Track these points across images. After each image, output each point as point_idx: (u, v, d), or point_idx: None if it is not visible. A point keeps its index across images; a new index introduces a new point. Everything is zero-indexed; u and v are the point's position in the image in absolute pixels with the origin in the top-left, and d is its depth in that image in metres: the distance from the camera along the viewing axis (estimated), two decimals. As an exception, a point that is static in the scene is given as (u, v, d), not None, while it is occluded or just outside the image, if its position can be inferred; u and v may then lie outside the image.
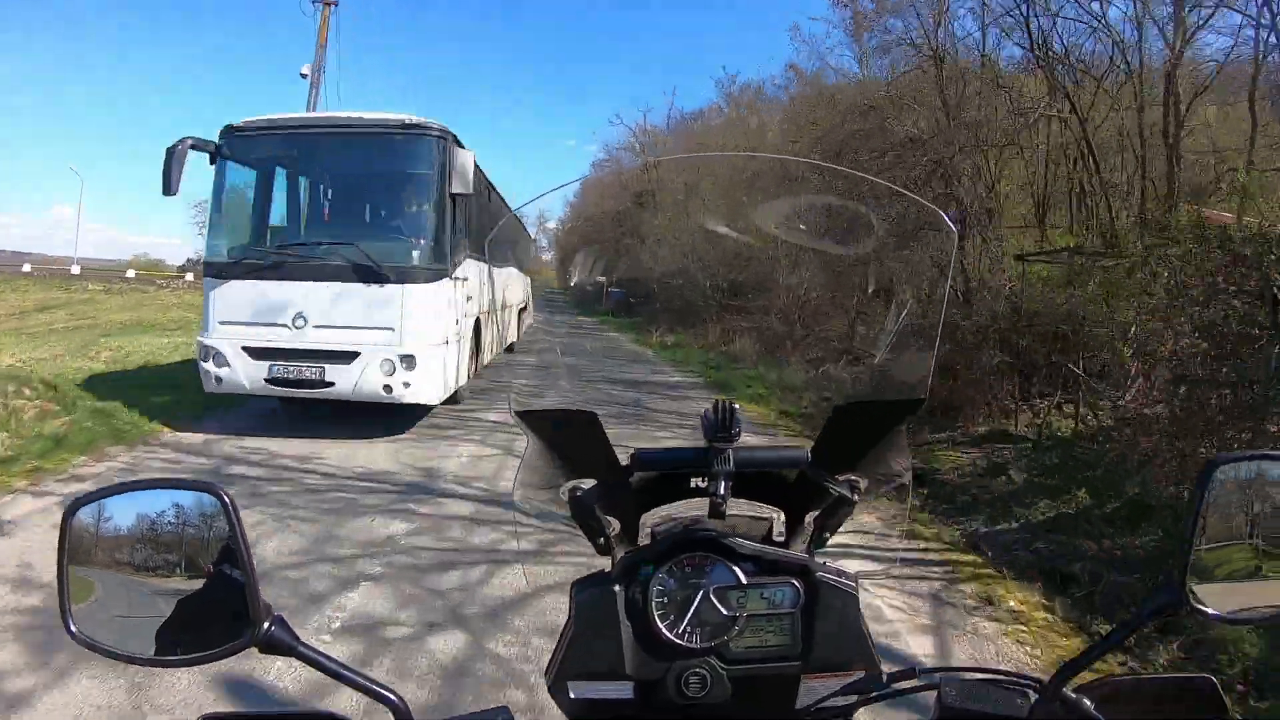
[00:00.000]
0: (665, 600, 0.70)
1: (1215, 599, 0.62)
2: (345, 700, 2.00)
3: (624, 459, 0.73)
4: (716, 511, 0.71)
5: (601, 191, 42.02)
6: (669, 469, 0.73)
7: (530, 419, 0.71)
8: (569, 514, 0.73)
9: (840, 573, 0.72)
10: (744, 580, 0.70)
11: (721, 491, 0.69)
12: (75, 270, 34.55)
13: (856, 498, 0.73)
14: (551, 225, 62.78)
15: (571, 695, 0.69)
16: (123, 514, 0.62)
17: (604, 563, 0.74)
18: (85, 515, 0.61)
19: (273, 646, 0.60)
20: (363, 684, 0.61)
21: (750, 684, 0.69)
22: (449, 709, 2.03)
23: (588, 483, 0.73)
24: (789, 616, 0.70)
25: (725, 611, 0.69)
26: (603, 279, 37.71)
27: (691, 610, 0.69)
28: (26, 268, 34.18)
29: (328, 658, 0.62)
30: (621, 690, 0.69)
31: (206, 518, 0.61)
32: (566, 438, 0.72)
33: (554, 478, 0.73)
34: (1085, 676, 0.64)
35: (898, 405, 0.77)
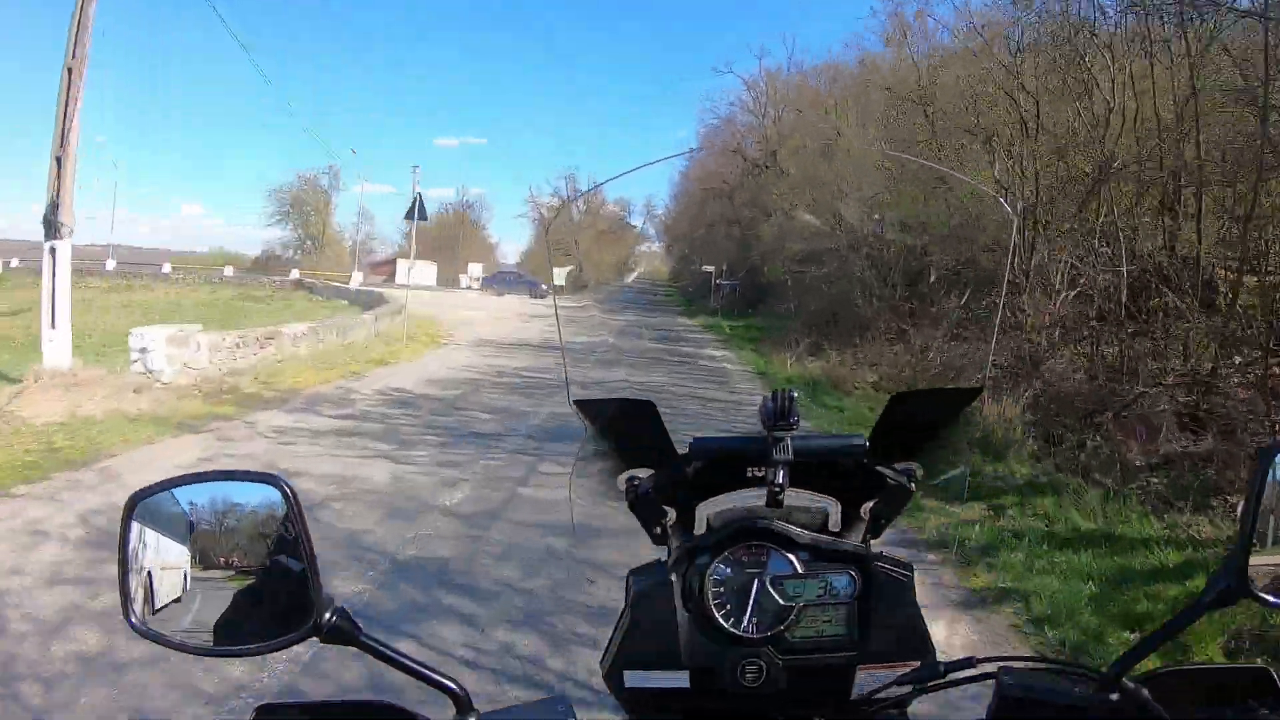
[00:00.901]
0: (722, 589, 0.70)
1: (1275, 586, 0.61)
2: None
3: (681, 449, 0.73)
4: (774, 500, 0.70)
5: (709, 166, 34.28)
6: (727, 458, 0.73)
7: (588, 408, 0.72)
8: (625, 503, 0.73)
9: (896, 562, 0.72)
10: (801, 570, 0.70)
11: (780, 480, 0.69)
12: (110, 265, 33.22)
13: (914, 486, 0.73)
14: (660, 213, 56.81)
15: (627, 684, 0.70)
16: (184, 505, 0.63)
17: (659, 552, 0.75)
18: (147, 507, 0.62)
19: (335, 636, 0.61)
20: (424, 673, 0.62)
21: (806, 674, 0.70)
22: None
23: (644, 472, 0.73)
24: (845, 606, 0.70)
25: (782, 601, 0.69)
26: (709, 269, 31.09)
27: (749, 599, 0.70)
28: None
29: (389, 647, 0.62)
30: (677, 679, 0.70)
31: (268, 509, 0.63)
32: (624, 427, 0.73)
33: (612, 467, 0.74)
34: (1145, 665, 0.63)
35: (956, 394, 0.76)
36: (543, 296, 33.81)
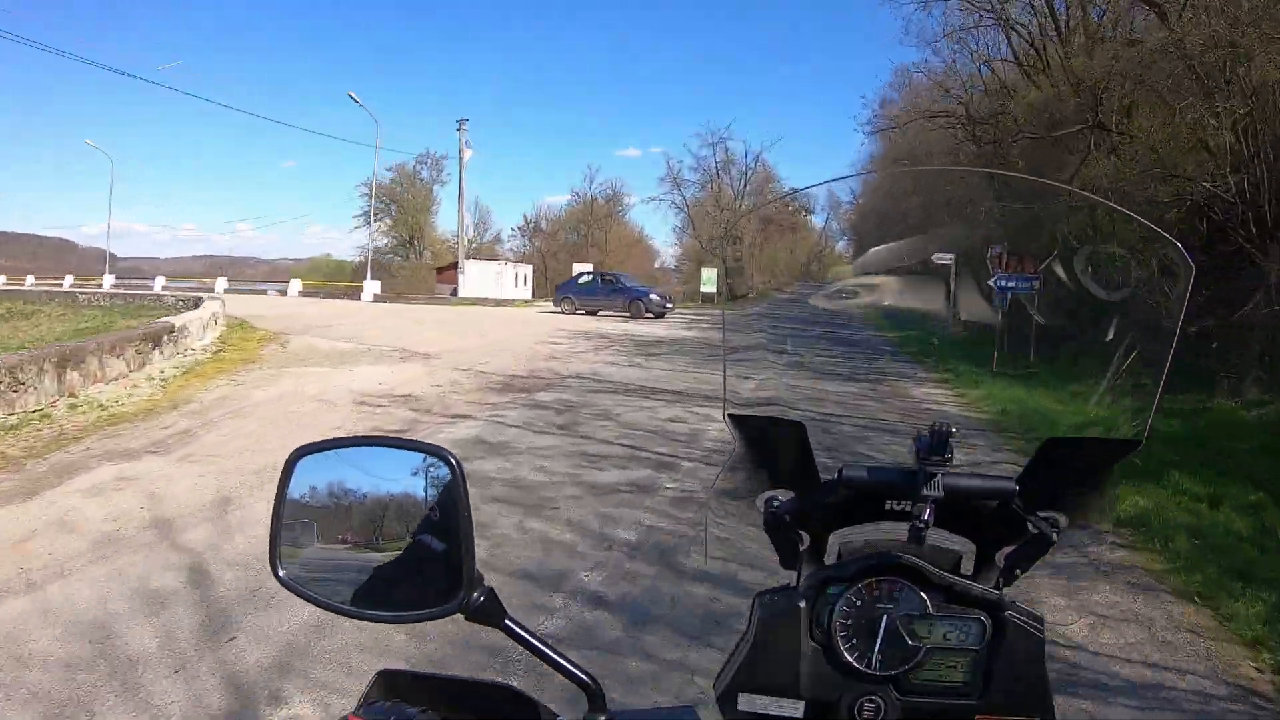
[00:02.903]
0: (849, 622, 0.69)
1: None
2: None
3: (824, 475, 0.72)
4: (916, 536, 0.68)
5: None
6: (874, 490, 0.71)
7: (740, 423, 0.72)
8: (761, 523, 0.72)
9: (1030, 614, 0.69)
10: (932, 610, 0.68)
11: (926, 517, 0.67)
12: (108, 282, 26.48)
13: (1056, 537, 0.70)
14: (846, 207, 42.85)
15: (740, 708, 0.68)
16: (347, 466, 0.63)
17: (782, 577, 0.73)
18: (310, 462, 0.63)
19: (480, 616, 0.62)
20: (564, 665, 0.63)
21: (922, 718, 0.68)
22: None
23: (784, 494, 0.72)
24: (972, 653, 0.68)
25: (909, 641, 0.67)
26: (948, 258, 16.46)
27: (877, 635, 0.68)
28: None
29: (533, 634, 0.63)
30: (792, 709, 0.68)
31: (430, 480, 0.63)
32: (772, 446, 0.72)
33: (753, 485, 0.73)
34: None
35: (1113, 445, 0.72)
36: (660, 313, 21.32)
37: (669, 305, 23.85)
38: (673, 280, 41.40)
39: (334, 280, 42.35)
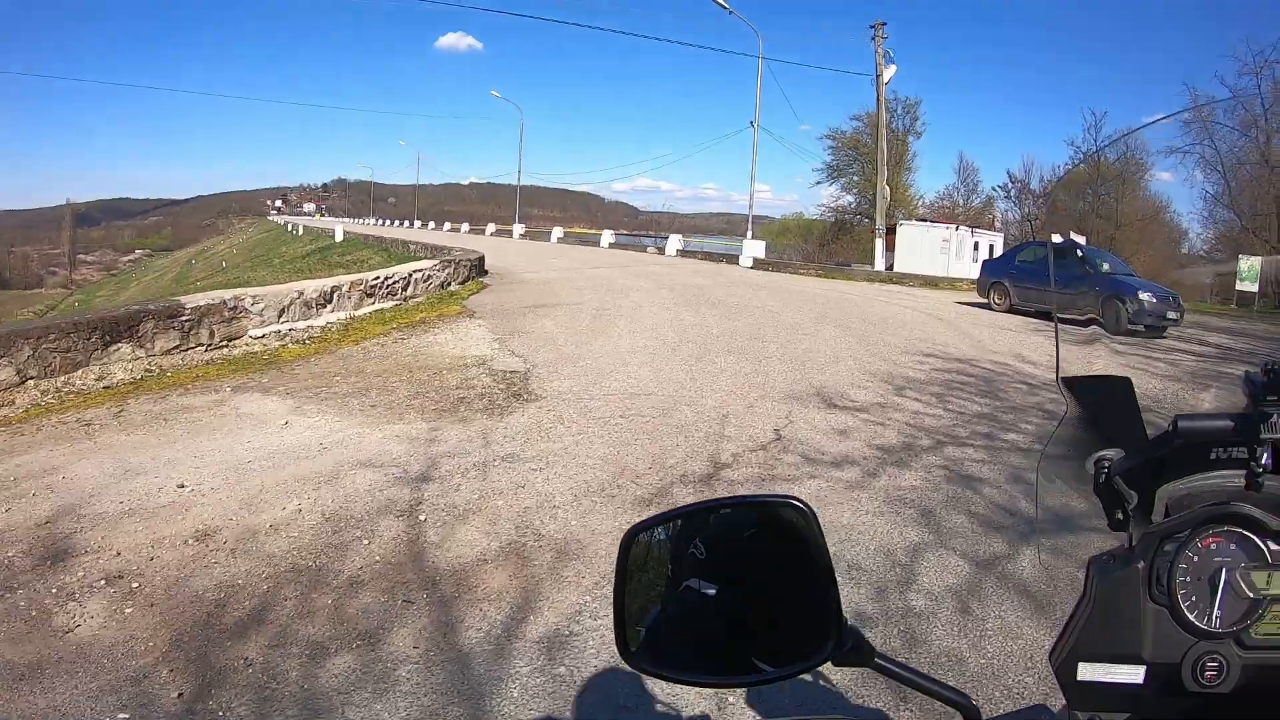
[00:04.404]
0: (1187, 579, 0.66)
1: None
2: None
3: (1151, 430, 0.69)
4: (1255, 484, 0.65)
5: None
6: (1213, 438, 0.66)
7: (1072, 385, 0.71)
8: (1091, 485, 0.71)
9: None
10: (1271, 560, 0.64)
11: (1265, 461, 0.64)
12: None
13: None
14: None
15: (1080, 676, 0.66)
16: (684, 534, 0.62)
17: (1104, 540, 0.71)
18: (646, 538, 0.63)
19: (851, 659, 0.61)
20: (937, 690, 0.64)
21: (1265, 673, 0.65)
22: None
23: (1113, 452, 0.70)
24: None
25: (1250, 594, 0.64)
26: None
27: (1217, 590, 0.65)
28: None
29: (903, 666, 0.64)
30: (1132, 674, 0.66)
31: (780, 530, 0.61)
32: (1100, 404, 0.71)
33: (1084, 448, 0.72)
34: None
35: None
36: (1155, 327, 11.38)
37: (1174, 316, 12.05)
38: (1202, 273, 24.68)
39: (802, 241, 39.58)
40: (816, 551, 0.60)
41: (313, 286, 8.46)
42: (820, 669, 0.67)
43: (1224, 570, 0.64)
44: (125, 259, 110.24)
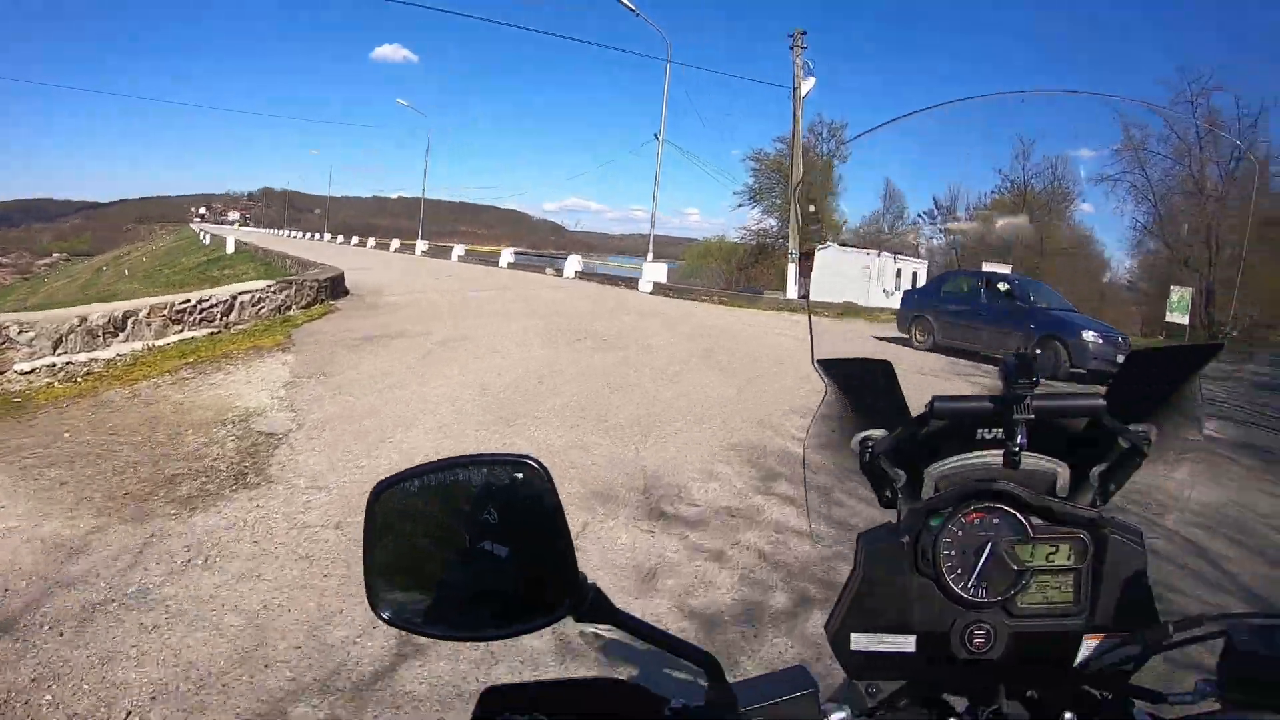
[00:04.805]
0: (952, 553, 0.69)
1: None
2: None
3: (915, 409, 0.71)
4: (1011, 461, 0.68)
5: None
6: (967, 418, 0.71)
7: (830, 367, 0.74)
8: (857, 466, 0.73)
9: (1128, 528, 0.69)
10: (1032, 533, 0.68)
11: (1019, 440, 0.67)
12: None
13: (1147, 449, 0.70)
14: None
15: (853, 647, 0.69)
16: (430, 491, 0.62)
17: (876, 516, 0.73)
18: (392, 495, 0.61)
19: (592, 615, 0.60)
20: (680, 644, 0.62)
21: (1031, 640, 0.68)
22: None
23: (879, 433, 0.73)
24: (1074, 572, 0.68)
25: (1013, 565, 0.68)
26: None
27: (979, 563, 0.68)
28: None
29: (644, 624, 0.62)
30: (903, 643, 0.69)
31: (520, 489, 0.61)
32: (861, 387, 0.74)
33: (848, 428, 0.73)
34: None
35: (1194, 350, 0.73)
36: (1100, 371, 8.80)
37: (1119, 359, 10.10)
38: (1128, 306, 24.15)
39: (724, 264, 37.59)
40: (553, 509, 0.59)
41: (100, 311, 6.98)
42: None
43: (989, 544, 0.67)
44: (42, 262, 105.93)
